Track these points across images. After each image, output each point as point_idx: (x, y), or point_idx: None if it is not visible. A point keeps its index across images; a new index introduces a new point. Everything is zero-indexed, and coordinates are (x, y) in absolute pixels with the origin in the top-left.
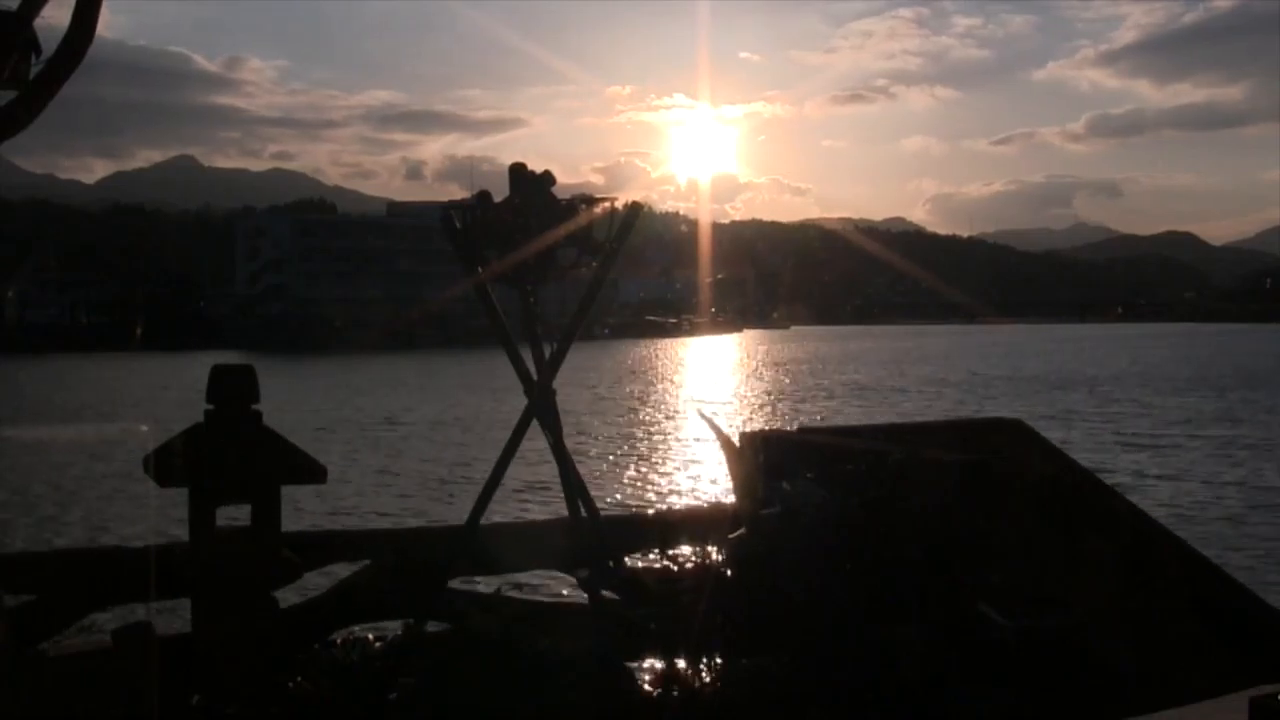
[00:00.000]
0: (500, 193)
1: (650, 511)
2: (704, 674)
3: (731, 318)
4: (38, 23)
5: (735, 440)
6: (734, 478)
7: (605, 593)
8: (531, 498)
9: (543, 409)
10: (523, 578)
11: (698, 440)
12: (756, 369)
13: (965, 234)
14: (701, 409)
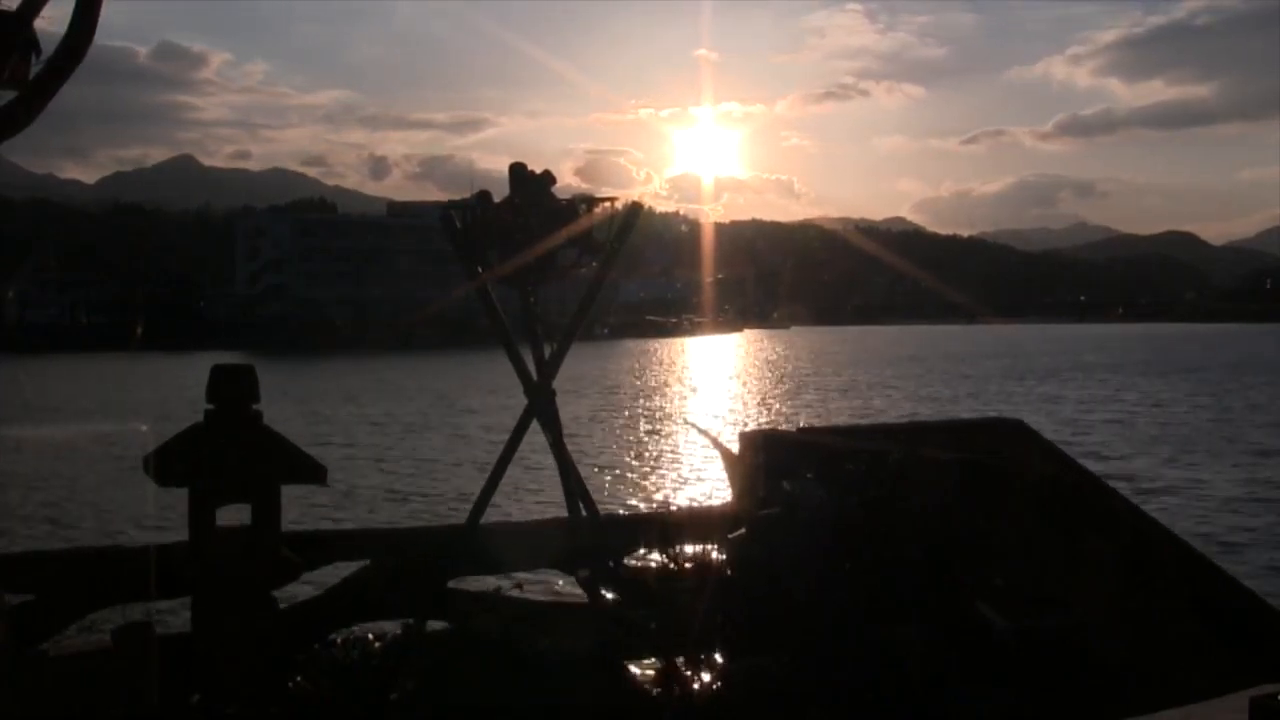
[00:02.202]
0: (496, 193)
1: (650, 511)
2: (704, 674)
3: (731, 318)
4: (38, 23)
5: (733, 441)
6: (732, 479)
7: (605, 593)
8: (531, 498)
9: (542, 409)
10: (523, 578)
11: (697, 440)
12: (757, 369)
13: (965, 234)
14: (691, 418)
